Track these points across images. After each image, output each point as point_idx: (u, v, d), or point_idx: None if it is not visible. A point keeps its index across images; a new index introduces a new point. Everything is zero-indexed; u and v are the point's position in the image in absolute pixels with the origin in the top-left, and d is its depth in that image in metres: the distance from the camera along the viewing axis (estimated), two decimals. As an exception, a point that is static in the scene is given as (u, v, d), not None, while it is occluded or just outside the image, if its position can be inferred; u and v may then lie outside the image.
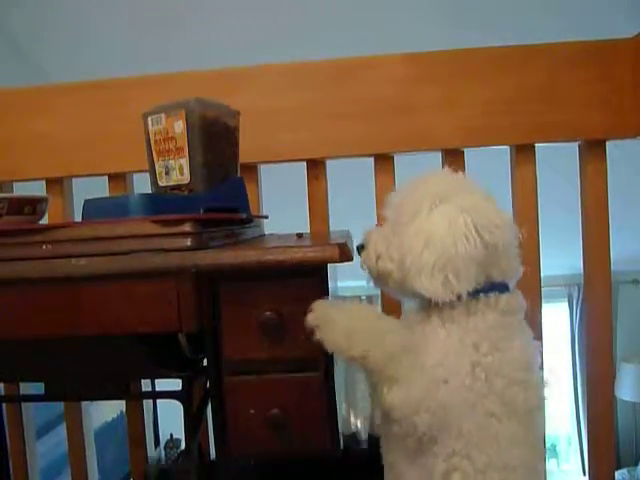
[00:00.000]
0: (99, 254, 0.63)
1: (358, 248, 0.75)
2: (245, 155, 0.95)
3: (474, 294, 0.67)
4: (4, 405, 1.10)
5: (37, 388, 1.03)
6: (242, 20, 2.01)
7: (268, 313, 0.64)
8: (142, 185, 1.17)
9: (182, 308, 0.62)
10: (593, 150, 1.10)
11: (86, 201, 0.76)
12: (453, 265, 0.64)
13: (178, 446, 3.05)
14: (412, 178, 0.75)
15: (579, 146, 1.13)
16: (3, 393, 1.07)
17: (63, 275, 0.62)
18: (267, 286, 0.64)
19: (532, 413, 0.67)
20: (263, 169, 1.21)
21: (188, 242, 0.63)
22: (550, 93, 1.09)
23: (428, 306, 0.70)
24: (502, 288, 0.69)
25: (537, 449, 0.69)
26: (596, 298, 1.12)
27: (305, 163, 1.16)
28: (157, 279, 0.61)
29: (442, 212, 0.67)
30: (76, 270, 0.61)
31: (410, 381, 0.62)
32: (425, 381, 0.63)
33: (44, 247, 0.64)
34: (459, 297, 0.66)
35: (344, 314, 0.63)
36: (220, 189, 0.85)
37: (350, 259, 0.62)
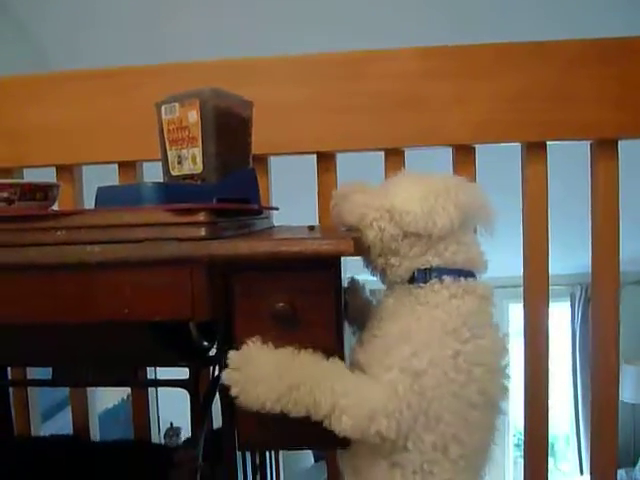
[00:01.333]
0: (113, 241, 0.63)
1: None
2: (255, 146, 0.95)
3: (454, 276, 0.70)
4: (10, 389, 1.11)
5: (42, 373, 1.03)
6: (249, 8, 2.00)
7: (281, 304, 0.64)
8: (151, 173, 1.18)
9: (195, 297, 0.62)
10: (604, 149, 1.09)
11: (99, 188, 0.76)
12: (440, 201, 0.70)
13: (178, 434, 3.07)
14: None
15: (590, 145, 1.12)
16: (10, 377, 1.07)
17: (77, 262, 0.62)
18: (280, 277, 0.64)
19: (499, 401, 0.69)
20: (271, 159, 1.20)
21: (202, 232, 0.63)
22: (562, 91, 1.09)
23: (401, 289, 0.72)
24: (474, 276, 0.72)
25: (493, 432, 0.70)
26: (603, 299, 1.12)
27: (315, 155, 1.16)
28: (171, 268, 0.62)
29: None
30: (90, 257, 0.61)
31: (351, 401, 0.62)
32: (376, 388, 0.63)
33: (58, 234, 0.64)
34: (442, 281, 0.70)
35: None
36: (232, 180, 0.85)
37: (364, 253, 0.62)
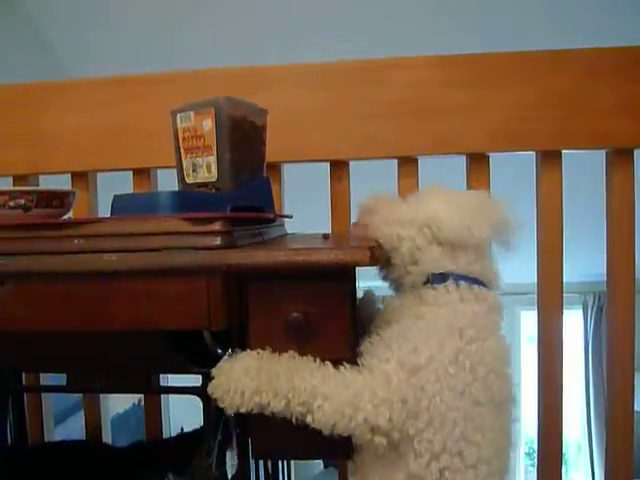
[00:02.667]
0: (130, 250, 0.64)
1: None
2: (269, 154, 0.95)
3: (469, 283, 0.71)
4: (25, 394, 1.12)
5: (55, 378, 1.04)
6: (265, 15, 2.01)
7: (295, 313, 0.64)
8: (166, 180, 1.18)
9: (212, 306, 0.62)
10: (620, 158, 1.09)
11: (115, 197, 0.76)
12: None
13: (188, 440, 3.08)
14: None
15: (606, 154, 1.12)
16: (24, 383, 1.08)
17: (94, 270, 0.62)
18: (295, 287, 0.65)
19: (507, 404, 0.68)
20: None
21: (218, 241, 0.63)
22: (577, 99, 1.08)
23: (411, 292, 0.74)
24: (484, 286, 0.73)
25: (508, 437, 0.69)
26: (619, 307, 1.11)
27: (329, 164, 1.16)
28: (187, 277, 0.62)
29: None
30: (107, 266, 0.62)
31: (331, 389, 0.62)
32: (366, 377, 0.63)
33: (75, 242, 0.65)
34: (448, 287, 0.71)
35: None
36: (247, 188, 0.85)
37: (379, 263, 0.62)
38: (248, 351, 0.66)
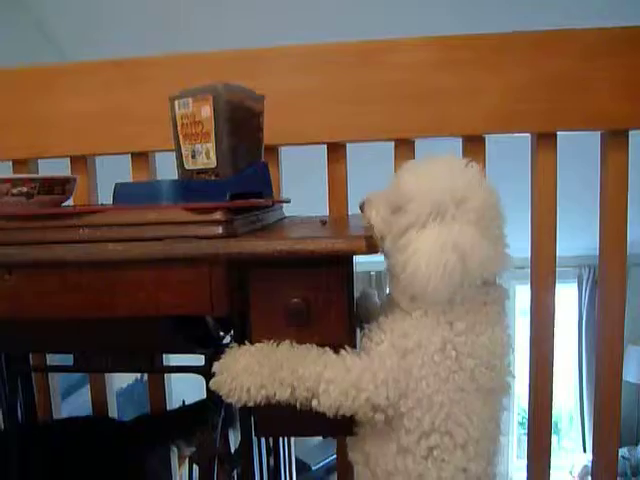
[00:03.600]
0: (134, 239, 0.65)
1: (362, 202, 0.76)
2: (266, 136, 0.96)
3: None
4: (32, 374, 1.15)
5: (62, 358, 1.07)
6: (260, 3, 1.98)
7: (294, 300, 0.66)
8: (164, 164, 1.19)
9: (214, 293, 0.64)
10: (615, 139, 1.10)
11: (117, 185, 0.78)
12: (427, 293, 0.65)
13: (189, 413, 3.16)
14: (424, 165, 0.72)
15: (601, 134, 1.13)
16: (32, 363, 1.11)
17: (101, 259, 0.64)
18: (295, 274, 0.67)
19: (496, 394, 0.70)
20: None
21: (220, 230, 0.65)
22: (573, 81, 1.08)
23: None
24: (487, 282, 0.71)
25: (497, 423, 0.72)
26: (610, 281, 1.13)
27: (326, 146, 1.17)
28: (191, 265, 0.64)
29: (425, 243, 0.65)
30: (113, 255, 0.64)
31: (335, 373, 0.65)
32: (360, 360, 0.66)
33: (81, 232, 0.67)
34: None
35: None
36: (245, 174, 0.86)
37: (376, 251, 0.64)
38: (246, 347, 0.68)
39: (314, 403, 0.65)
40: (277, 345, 0.68)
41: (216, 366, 0.68)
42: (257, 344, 0.68)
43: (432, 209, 0.65)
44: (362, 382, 0.65)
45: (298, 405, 0.66)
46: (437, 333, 0.67)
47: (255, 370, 0.65)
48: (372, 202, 0.73)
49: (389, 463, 0.70)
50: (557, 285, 1.14)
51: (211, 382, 0.68)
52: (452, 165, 0.71)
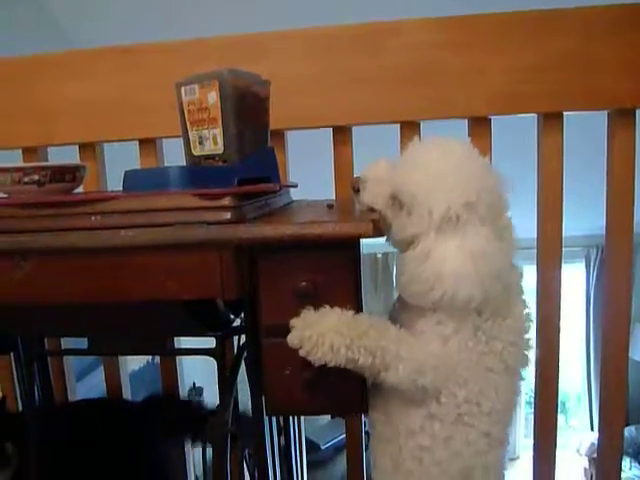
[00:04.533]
0: (145, 225, 0.67)
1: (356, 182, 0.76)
2: (272, 121, 0.96)
3: None
4: (48, 357, 1.19)
5: (76, 342, 1.10)
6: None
7: (303, 282, 0.68)
8: (172, 150, 1.20)
9: (224, 277, 0.66)
10: (622, 119, 1.09)
11: (127, 172, 0.79)
12: (449, 303, 0.67)
13: (201, 393, 3.22)
14: (430, 159, 0.70)
15: (608, 114, 1.12)
16: (47, 347, 1.14)
17: (112, 246, 0.66)
18: (303, 257, 0.68)
19: (520, 369, 0.75)
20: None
21: (228, 215, 0.66)
22: (577, 60, 1.08)
23: None
24: None
25: (519, 395, 0.77)
26: (617, 260, 1.14)
27: (332, 129, 1.17)
28: (201, 250, 0.66)
29: (452, 251, 0.66)
30: (125, 241, 0.65)
31: (407, 353, 0.67)
32: (421, 344, 0.68)
33: (93, 219, 0.68)
34: None
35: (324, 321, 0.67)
36: (252, 159, 0.87)
37: (382, 235, 0.65)
38: (330, 308, 0.68)
39: (382, 375, 0.68)
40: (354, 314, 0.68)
41: (296, 322, 0.67)
42: (337, 309, 0.68)
43: (444, 214, 0.65)
44: (423, 368, 0.67)
45: (367, 374, 0.68)
46: (468, 320, 0.69)
47: (344, 331, 0.65)
48: (370, 190, 0.74)
49: (414, 423, 0.72)
50: (564, 265, 1.15)
51: (291, 337, 0.66)
52: (460, 159, 0.69)
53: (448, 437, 0.72)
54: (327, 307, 0.68)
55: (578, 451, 3.92)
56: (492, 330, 0.70)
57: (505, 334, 0.71)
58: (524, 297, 0.76)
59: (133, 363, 2.68)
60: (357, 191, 0.76)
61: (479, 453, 0.72)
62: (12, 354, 1.13)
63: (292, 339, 0.66)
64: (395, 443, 0.75)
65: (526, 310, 0.75)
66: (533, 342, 0.75)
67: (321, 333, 0.65)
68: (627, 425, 3.19)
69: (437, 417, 0.72)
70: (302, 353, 0.66)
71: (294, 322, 0.67)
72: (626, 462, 3.28)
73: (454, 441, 0.72)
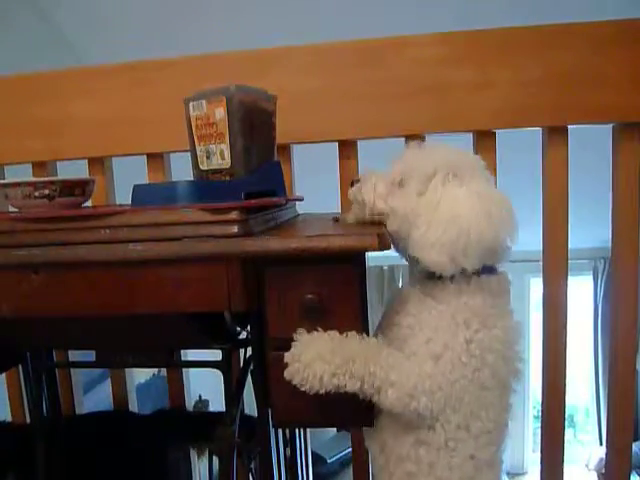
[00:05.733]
0: (153, 239, 0.68)
1: (353, 182, 0.81)
2: (278, 135, 0.98)
3: (467, 275, 0.72)
4: (56, 370, 1.19)
5: (84, 355, 1.11)
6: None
7: (309, 295, 0.68)
8: (179, 164, 1.22)
9: (231, 290, 0.67)
10: (627, 132, 1.10)
11: (135, 186, 0.80)
12: (467, 246, 0.68)
13: (206, 406, 3.21)
14: (416, 148, 0.79)
15: (613, 128, 1.13)
16: (55, 360, 1.15)
17: (122, 259, 0.67)
18: (309, 270, 0.69)
19: (510, 382, 0.73)
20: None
21: (235, 229, 0.67)
22: (584, 74, 1.08)
23: (418, 281, 0.76)
24: (492, 270, 0.74)
25: (509, 410, 0.75)
26: (623, 272, 1.14)
27: (337, 143, 1.19)
28: (208, 263, 0.66)
29: (463, 194, 0.70)
30: (133, 255, 0.66)
31: (397, 377, 0.67)
32: (414, 366, 0.68)
33: (102, 232, 0.70)
34: (452, 278, 0.72)
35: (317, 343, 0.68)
36: (259, 173, 0.88)
37: (388, 248, 0.66)
38: (318, 333, 0.68)
39: (375, 398, 0.68)
40: (346, 336, 0.68)
41: (288, 357, 0.68)
42: (329, 332, 0.68)
43: (449, 169, 0.71)
44: (416, 392, 0.67)
45: (361, 396, 0.68)
46: (459, 332, 0.69)
47: (328, 358, 0.66)
48: (368, 180, 0.77)
49: (403, 449, 0.72)
50: (572, 277, 1.15)
51: (285, 372, 0.68)
52: (449, 147, 0.78)
53: (431, 463, 0.71)
54: (319, 330, 0.68)
55: (587, 466, 3.86)
56: (484, 342, 0.69)
57: (495, 345, 0.70)
58: (511, 312, 0.75)
59: (139, 376, 2.68)
60: (352, 185, 0.79)
61: (464, 478, 0.71)
62: (20, 367, 1.14)
63: (285, 374, 0.68)
64: (386, 470, 0.75)
65: (514, 320, 0.74)
66: (524, 354, 0.74)
67: (307, 364, 0.66)
68: (636, 440, 3.14)
69: (425, 443, 0.71)
70: (295, 383, 0.68)
71: (286, 356, 0.68)
72: (635, 478, 3.22)
73: (438, 466, 0.71)
